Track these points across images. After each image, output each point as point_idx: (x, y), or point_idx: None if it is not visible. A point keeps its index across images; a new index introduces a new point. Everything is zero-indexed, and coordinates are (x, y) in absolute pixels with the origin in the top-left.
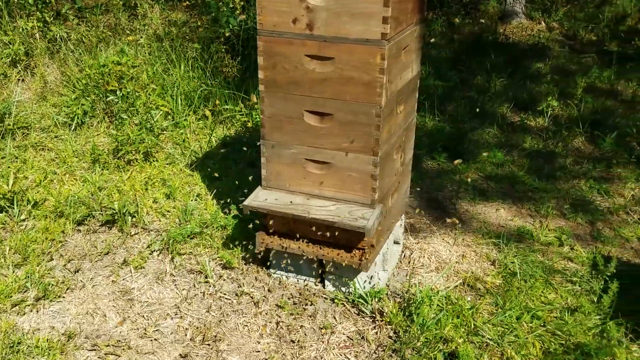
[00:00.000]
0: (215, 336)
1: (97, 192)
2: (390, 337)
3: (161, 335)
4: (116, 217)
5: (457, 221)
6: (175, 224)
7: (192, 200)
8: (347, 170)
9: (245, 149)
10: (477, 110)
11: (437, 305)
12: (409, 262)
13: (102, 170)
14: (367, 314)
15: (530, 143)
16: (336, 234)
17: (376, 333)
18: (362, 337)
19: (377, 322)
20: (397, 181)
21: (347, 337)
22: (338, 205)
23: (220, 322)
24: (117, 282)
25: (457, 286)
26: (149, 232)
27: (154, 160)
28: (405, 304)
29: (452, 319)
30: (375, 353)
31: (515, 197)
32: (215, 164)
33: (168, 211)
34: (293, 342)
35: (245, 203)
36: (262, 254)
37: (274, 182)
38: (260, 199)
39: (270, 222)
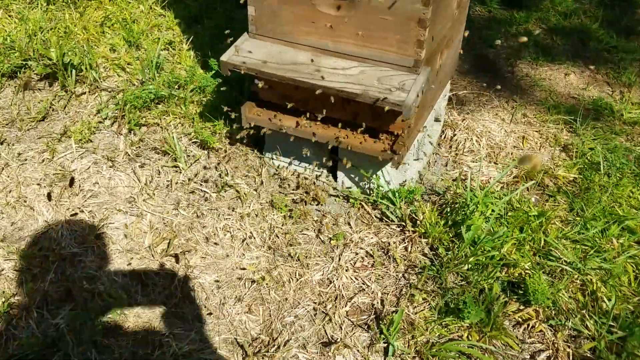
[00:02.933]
0: (185, 245)
1: (38, 33)
2: (425, 255)
3: (108, 240)
4: (55, 70)
5: (525, 39)
6: (138, 81)
7: (161, 50)
8: (379, 11)
9: None
10: None
11: (492, 211)
12: (451, 147)
13: (47, 5)
14: (393, 221)
15: None
16: (357, 110)
17: (406, 248)
18: (387, 254)
19: (407, 232)
20: (450, 31)
21: (366, 252)
22: (363, 67)
23: (193, 226)
24: (53, 161)
25: (516, 181)
26: (101, 92)
27: None
28: (449, 209)
29: (513, 233)
30: (404, 278)
31: (588, 57)
32: (195, 1)
33: (129, 64)
34: (291, 257)
35: (223, 58)
36: (252, 131)
37: (268, 27)
38: (245, 52)
39: (261, 89)
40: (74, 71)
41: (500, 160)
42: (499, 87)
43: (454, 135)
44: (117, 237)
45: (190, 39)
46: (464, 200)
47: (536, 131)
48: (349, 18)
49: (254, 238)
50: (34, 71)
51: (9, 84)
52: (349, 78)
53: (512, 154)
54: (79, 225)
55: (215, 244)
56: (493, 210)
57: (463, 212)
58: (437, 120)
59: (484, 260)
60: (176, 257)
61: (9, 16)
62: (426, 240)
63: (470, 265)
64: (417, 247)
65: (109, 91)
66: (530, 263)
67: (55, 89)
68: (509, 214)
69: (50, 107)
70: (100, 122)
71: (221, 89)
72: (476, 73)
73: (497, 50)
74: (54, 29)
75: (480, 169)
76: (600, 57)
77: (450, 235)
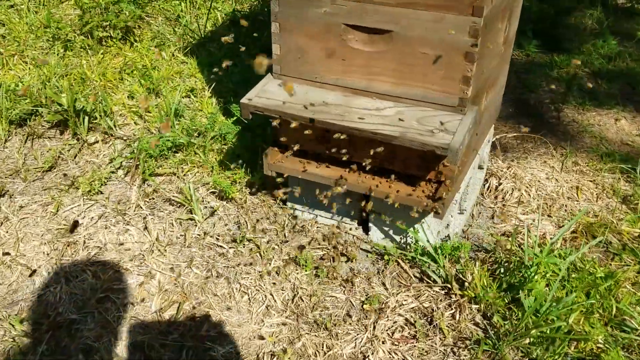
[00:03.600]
0: (196, 310)
1: (52, 79)
2: (477, 325)
3: (111, 305)
4: (67, 117)
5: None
6: (156, 130)
7: (182, 97)
8: (419, 44)
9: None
10: None
11: (554, 272)
12: (497, 197)
13: (65, 51)
14: (436, 282)
15: None
16: (394, 156)
17: (453, 316)
18: (431, 322)
19: (453, 296)
20: (496, 68)
21: (406, 320)
22: (400, 108)
23: (206, 286)
24: (57, 215)
25: (574, 237)
26: (116, 140)
27: (136, 41)
28: (502, 270)
29: (579, 298)
30: (454, 353)
31: (638, 102)
32: (220, 49)
33: (148, 112)
34: (317, 324)
35: (244, 100)
36: (275, 179)
37: (293, 67)
38: (268, 94)
39: (285, 134)
40: (86, 118)
41: (554, 212)
42: (544, 133)
43: (499, 184)
44: (121, 301)
45: (212, 86)
46: (518, 259)
47: (590, 181)
48: (384, 53)
49: (275, 301)
50: (44, 118)
51: (17, 132)
52: (384, 119)
53: (566, 206)
54: (80, 287)
55: (230, 308)
56: (555, 272)
57: (520, 274)
58: (480, 167)
59: (548, 332)
60: (185, 324)
61: (24, 62)
62: (477, 306)
63: (532, 339)
64: (467, 315)
65: (124, 139)
66: (602, 335)
67: (67, 137)
68: (572, 275)
69: (59, 157)
70: (113, 172)
71: (243, 135)
72: (518, 118)
73: (538, 95)
74: (69, 75)
75: (536, 223)
76: None
77: (506, 301)
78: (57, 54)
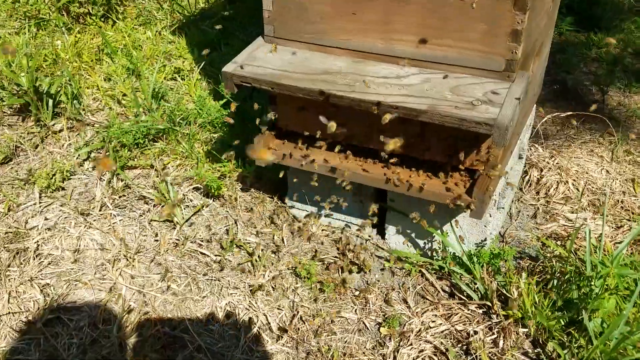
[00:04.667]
0: (172, 331)
1: (20, 61)
2: (527, 355)
3: (62, 329)
4: (28, 101)
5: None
6: (134, 115)
7: (168, 79)
8: None
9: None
10: None
11: (616, 285)
12: (538, 192)
13: (38, 30)
14: (472, 298)
15: None
16: (418, 137)
17: (495, 343)
18: (467, 351)
19: (494, 317)
20: (544, 31)
21: (435, 348)
22: (427, 75)
23: (184, 304)
24: (9, 215)
25: (637, 240)
26: (86, 127)
27: (118, 19)
28: (555, 282)
29: None
30: None
31: None
32: (213, 26)
33: (125, 95)
34: (322, 354)
35: (227, 69)
36: (273, 172)
37: (292, 27)
38: (258, 61)
39: (281, 111)
40: (50, 102)
41: (609, 211)
42: (587, 118)
43: (541, 176)
44: (76, 324)
45: (201, 66)
46: (574, 268)
47: None
48: (406, 3)
49: (269, 323)
50: (4, 102)
51: None
52: (407, 89)
53: (622, 202)
54: (25, 306)
55: (212, 332)
56: (625, 287)
57: (580, 289)
58: (520, 157)
59: None
60: (154, 354)
61: None
62: (525, 330)
63: None
64: (513, 341)
65: (97, 127)
66: None
67: (30, 124)
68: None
69: (17, 147)
70: (80, 164)
71: (236, 120)
72: (555, 101)
73: (575, 76)
74: (37, 55)
75: (590, 223)
76: None
77: (563, 323)
78: (30, 34)
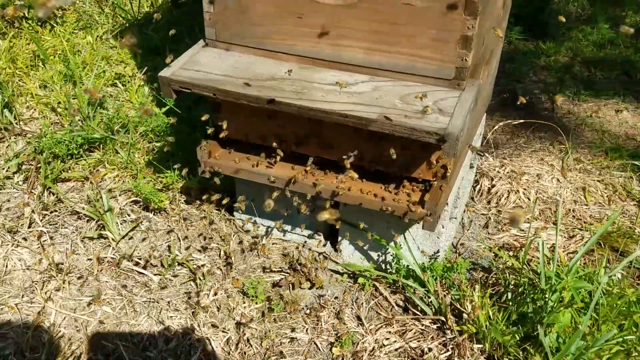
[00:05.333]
0: (106, 358)
1: None
2: None
3: None
4: None
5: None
6: (69, 123)
7: (107, 86)
8: None
9: None
10: None
11: (572, 298)
12: (489, 201)
13: None
14: (426, 313)
15: (632, 18)
16: (367, 147)
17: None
18: None
19: (448, 332)
20: (495, 39)
21: None
22: (376, 83)
23: (118, 328)
24: None
25: (590, 250)
26: (17, 137)
27: (57, 23)
28: (509, 295)
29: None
30: None
31: (639, 91)
32: (157, 31)
33: (59, 103)
34: None
35: (164, 73)
36: (218, 183)
37: (234, 30)
38: (198, 65)
39: (225, 120)
40: None
41: (562, 220)
42: (537, 126)
43: (492, 185)
44: (0, 352)
45: (145, 72)
46: (528, 280)
47: (598, 180)
48: (355, 8)
49: (212, 347)
50: None
51: None
52: (356, 97)
53: (573, 211)
54: None
55: (148, 359)
56: (578, 299)
57: (535, 302)
58: (471, 166)
59: None
60: None
61: None
62: (480, 346)
63: None
64: (468, 358)
65: (29, 136)
66: None
67: None
68: (605, 300)
69: None
70: (9, 177)
71: (180, 129)
72: (504, 110)
73: (525, 85)
74: None
75: (542, 234)
76: None
77: (518, 338)
78: None
